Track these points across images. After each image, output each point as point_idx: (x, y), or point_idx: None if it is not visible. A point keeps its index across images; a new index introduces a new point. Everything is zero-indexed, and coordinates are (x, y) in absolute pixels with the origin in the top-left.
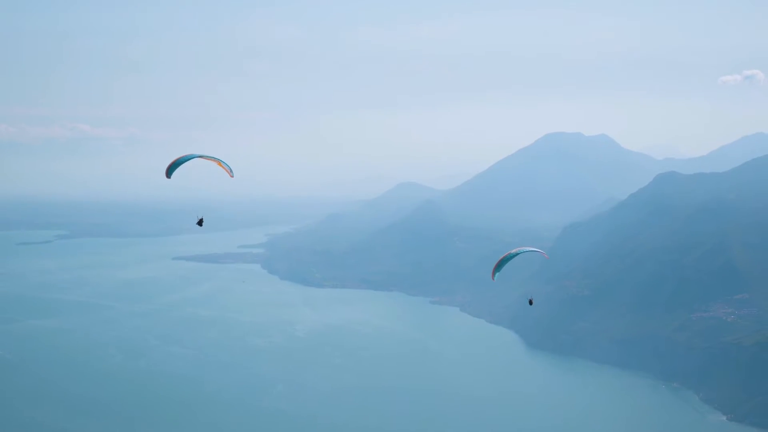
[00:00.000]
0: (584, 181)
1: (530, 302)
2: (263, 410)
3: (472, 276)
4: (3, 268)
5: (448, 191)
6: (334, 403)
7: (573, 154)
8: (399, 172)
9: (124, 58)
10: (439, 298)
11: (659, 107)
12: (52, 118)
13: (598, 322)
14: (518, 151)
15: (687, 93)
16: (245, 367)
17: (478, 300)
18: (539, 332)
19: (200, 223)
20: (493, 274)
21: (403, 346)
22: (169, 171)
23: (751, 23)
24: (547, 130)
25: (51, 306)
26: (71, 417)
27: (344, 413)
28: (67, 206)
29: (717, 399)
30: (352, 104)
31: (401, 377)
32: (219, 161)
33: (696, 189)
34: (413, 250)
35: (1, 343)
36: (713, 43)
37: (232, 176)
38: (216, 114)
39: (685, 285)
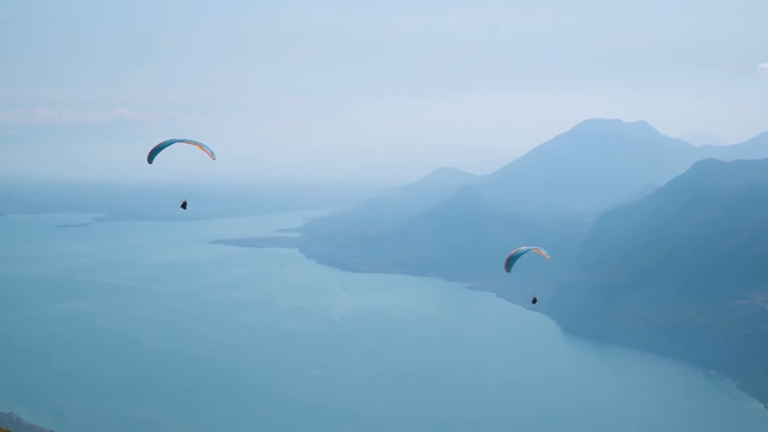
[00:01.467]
0: (622, 167)
1: (534, 301)
2: (299, 394)
3: None
4: (40, 251)
5: (485, 177)
6: (370, 388)
7: (611, 140)
8: (437, 158)
9: (161, 43)
10: (476, 283)
11: (699, 94)
12: (90, 101)
13: (635, 309)
14: (556, 137)
15: (726, 79)
16: (281, 352)
17: (515, 286)
18: (576, 319)
19: (184, 206)
20: (507, 266)
21: (439, 331)
22: (151, 156)
23: None
24: (586, 116)
25: (87, 289)
26: (106, 400)
27: (380, 398)
28: (104, 189)
29: (754, 387)
30: (392, 90)
31: (438, 363)
32: (200, 144)
33: (735, 176)
34: (450, 236)
35: (38, 326)
36: (753, 30)
37: (213, 158)
38: (250, 99)
39: (723, 272)
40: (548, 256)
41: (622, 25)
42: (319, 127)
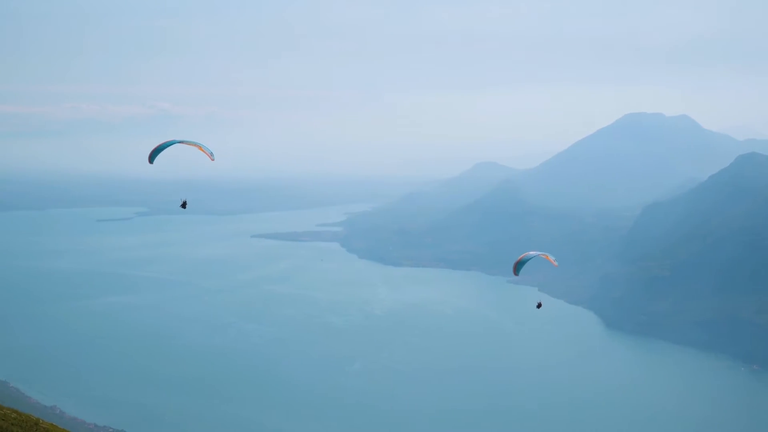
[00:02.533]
0: (664, 161)
1: (538, 305)
2: (339, 388)
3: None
4: (83, 245)
5: (526, 171)
6: (410, 382)
7: (653, 134)
8: (478, 152)
9: (203, 38)
10: (518, 278)
11: (742, 87)
12: (133, 96)
13: (677, 303)
14: (598, 131)
15: None
16: (322, 346)
17: (557, 280)
18: (618, 313)
19: (184, 205)
20: (515, 270)
21: (480, 326)
22: (152, 157)
23: None
24: (628, 110)
25: (129, 282)
26: (148, 394)
27: (420, 392)
28: (146, 183)
29: None
30: (431, 84)
31: (478, 357)
32: (200, 146)
33: None
34: (491, 230)
35: (80, 320)
36: None
37: (212, 159)
38: (290, 93)
39: (766, 266)
40: (555, 263)
41: (665, 18)
42: (360, 121)
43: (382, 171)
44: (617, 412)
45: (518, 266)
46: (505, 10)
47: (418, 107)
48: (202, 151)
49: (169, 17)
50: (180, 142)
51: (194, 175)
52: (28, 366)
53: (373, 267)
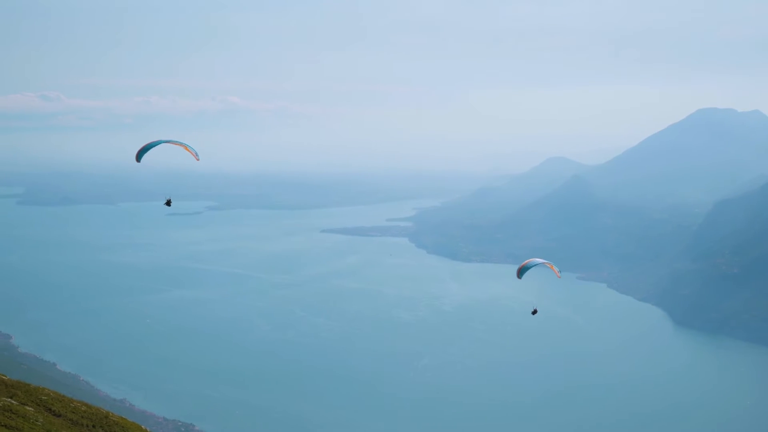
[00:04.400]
0: (736, 157)
1: (534, 312)
2: (408, 383)
3: (619, 252)
4: (153, 239)
5: (597, 166)
6: (478, 377)
7: (725, 130)
8: (548, 147)
9: (273, 32)
10: (586, 273)
11: None
12: (203, 90)
13: (747, 301)
14: (669, 127)
15: None
16: (391, 341)
17: (626, 276)
18: (687, 310)
19: (168, 203)
20: (519, 274)
21: (549, 322)
22: (139, 155)
23: None
24: (699, 105)
25: (199, 276)
26: (217, 387)
27: (489, 388)
28: (216, 178)
29: None
30: (503, 79)
31: (546, 353)
32: (185, 146)
33: None
34: (561, 226)
35: (150, 313)
36: None
37: (198, 159)
38: (360, 87)
39: None
40: (558, 274)
41: (737, 13)
42: (431, 115)
43: (452, 166)
44: (689, 410)
45: (522, 271)
46: (582, 5)
47: (490, 102)
48: (188, 151)
49: (241, 11)
50: (167, 141)
51: (265, 170)
52: (98, 359)
53: (442, 262)
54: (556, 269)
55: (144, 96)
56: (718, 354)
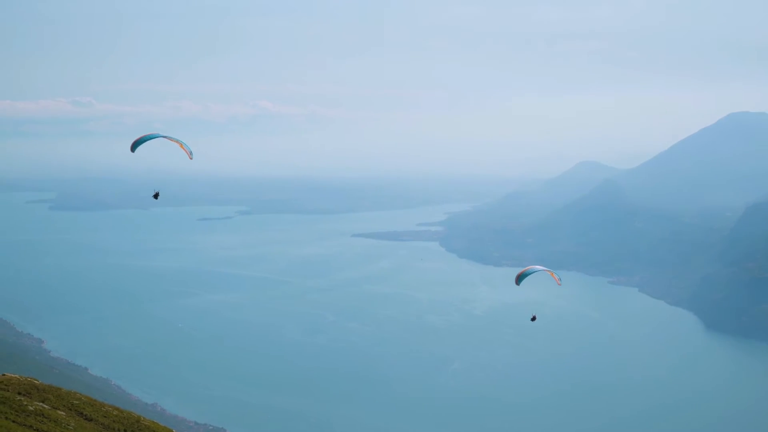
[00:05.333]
0: None
1: (533, 318)
2: (439, 387)
3: (651, 256)
4: (184, 243)
5: (628, 171)
6: (509, 382)
7: (758, 133)
8: (579, 151)
9: (302, 37)
10: (618, 278)
11: None
12: (234, 95)
13: None
14: (701, 131)
15: None
16: (422, 345)
17: (658, 281)
18: (719, 314)
19: (156, 196)
20: (517, 281)
21: (580, 326)
22: (134, 147)
23: None
24: (731, 109)
25: (231, 281)
26: (249, 391)
27: (519, 392)
28: (248, 182)
29: None
30: (532, 83)
31: (578, 357)
32: (181, 143)
33: None
34: (592, 230)
35: (182, 318)
36: None
37: (191, 158)
38: (390, 92)
39: None
40: (559, 282)
41: None
42: (461, 119)
43: (483, 170)
44: (722, 415)
45: (520, 278)
46: (610, 8)
47: (520, 106)
48: (183, 148)
49: (270, 15)
50: (164, 137)
51: (295, 175)
52: (130, 363)
53: (473, 267)
54: (556, 276)
55: (175, 101)
56: (750, 358)
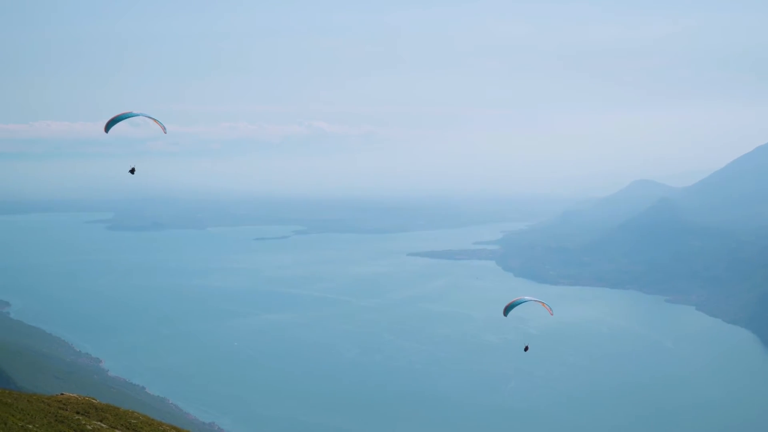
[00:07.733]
0: None
1: (525, 349)
2: (495, 407)
3: (708, 275)
4: (241, 263)
5: (684, 189)
6: (565, 401)
7: None
8: (633, 169)
9: (358, 58)
10: (675, 296)
11: None
12: (290, 115)
13: None
14: (756, 149)
15: None
16: (478, 363)
17: (715, 299)
18: None
19: (132, 171)
20: (505, 312)
21: (637, 345)
22: (108, 126)
23: None
24: None
25: (287, 300)
26: (306, 411)
27: (576, 412)
28: (303, 202)
29: None
30: (585, 101)
31: (635, 376)
32: (154, 119)
33: None
34: (648, 248)
35: (239, 337)
36: None
37: (165, 132)
38: (442, 111)
39: None
40: (551, 312)
41: None
42: (514, 138)
43: (538, 189)
44: None
45: (508, 308)
46: (662, 26)
47: (573, 124)
48: (156, 123)
49: (329, 36)
50: (138, 115)
51: (350, 195)
52: (186, 383)
53: (529, 285)
54: (548, 307)
55: (230, 122)
56: None
